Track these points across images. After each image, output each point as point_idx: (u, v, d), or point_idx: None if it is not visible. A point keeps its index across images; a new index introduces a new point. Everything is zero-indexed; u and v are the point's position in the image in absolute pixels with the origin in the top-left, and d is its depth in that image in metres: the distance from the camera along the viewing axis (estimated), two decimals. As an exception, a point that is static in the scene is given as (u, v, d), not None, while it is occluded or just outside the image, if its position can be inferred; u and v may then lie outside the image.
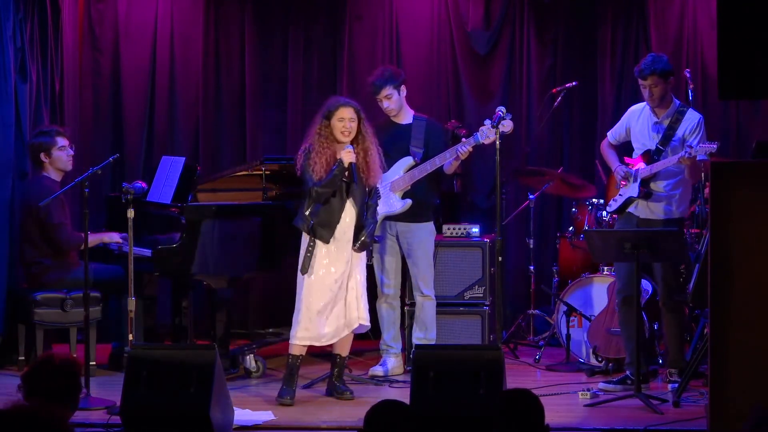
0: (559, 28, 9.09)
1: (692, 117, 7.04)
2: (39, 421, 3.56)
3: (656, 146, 7.05)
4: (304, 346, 6.89)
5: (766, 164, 5.74)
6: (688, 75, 7.96)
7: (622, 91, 8.96)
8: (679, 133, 7.01)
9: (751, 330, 5.54)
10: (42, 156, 7.68)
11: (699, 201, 7.77)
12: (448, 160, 7.41)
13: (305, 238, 6.84)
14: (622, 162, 7.26)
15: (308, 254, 6.77)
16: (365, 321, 6.92)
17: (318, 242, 6.79)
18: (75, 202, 7.82)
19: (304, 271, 6.77)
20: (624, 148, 7.38)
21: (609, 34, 9.00)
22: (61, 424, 3.59)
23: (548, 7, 9.04)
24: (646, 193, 7.05)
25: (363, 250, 6.90)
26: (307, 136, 6.89)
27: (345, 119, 6.80)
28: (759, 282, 5.54)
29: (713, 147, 6.71)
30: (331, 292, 6.78)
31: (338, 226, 6.79)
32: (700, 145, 6.79)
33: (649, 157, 7.05)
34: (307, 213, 6.79)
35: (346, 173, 6.76)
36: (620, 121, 7.34)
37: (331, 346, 7.01)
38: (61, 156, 7.69)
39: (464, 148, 7.32)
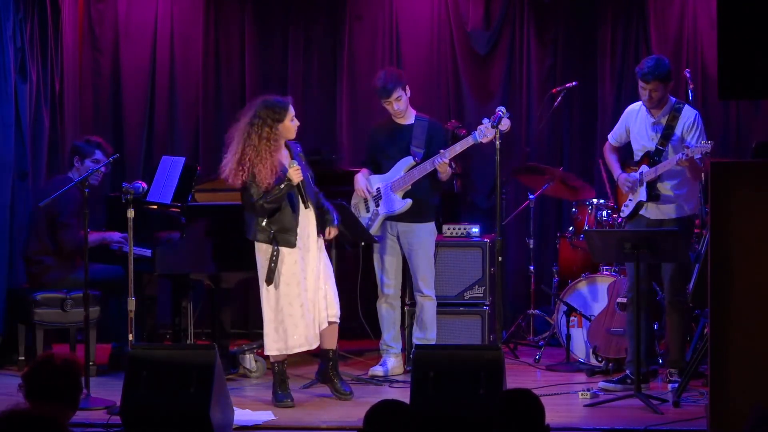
0: (559, 28, 9.08)
1: (689, 114, 7.04)
2: (37, 425, 3.57)
3: (656, 147, 7.05)
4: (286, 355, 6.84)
5: (766, 164, 5.74)
6: (688, 75, 7.96)
7: (622, 91, 8.96)
8: (677, 131, 7.02)
9: (751, 330, 5.54)
10: (75, 160, 7.68)
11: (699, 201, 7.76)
12: (439, 160, 7.42)
13: (263, 250, 6.74)
14: (623, 168, 7.26)
15: (272, 264, 6.67)
16: (335, 318, 6.88)
17: (283, 250, 6.70)
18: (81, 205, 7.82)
19: (270, 282, 6.67)
20: (627, 151, 7.37)
21: (609, 34, 9.00)
22: (59, 427, 3.59)
23: (548, 7, 9.04)
24: (654, 195, 7.05)
25: (336, 233, 6.89)
26: (238, 145, 6.67)
27: (294, 117, 6.80)
28: (759, 282, 5.54)
29: (707, 147, 6.72)
30: (307, 293, 6.74)
31: (299, 229, 6.75)
32: (695, 146, 6.80)
33: (650, 158, 7.05)
34: (263, 224, 6.71)
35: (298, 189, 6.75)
36: (619, 122, 7.35)
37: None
38: (92, 167, 7.64)
39: (440, 159, 7.35)
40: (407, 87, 7.59)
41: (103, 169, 7.73)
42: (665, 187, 7.07)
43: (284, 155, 6.79)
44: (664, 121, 7.05)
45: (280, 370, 6.81)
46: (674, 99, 7.16)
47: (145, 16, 9.11)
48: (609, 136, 7.40)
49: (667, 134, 7.02)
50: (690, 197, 7.11)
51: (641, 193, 7.08)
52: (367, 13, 9.20)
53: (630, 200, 7.18)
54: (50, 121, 8.24)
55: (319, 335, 6.82)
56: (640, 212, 7.14)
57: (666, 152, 7.01)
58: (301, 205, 6.79)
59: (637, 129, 7.17)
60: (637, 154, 7.17)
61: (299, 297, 6.71)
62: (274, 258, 6.68)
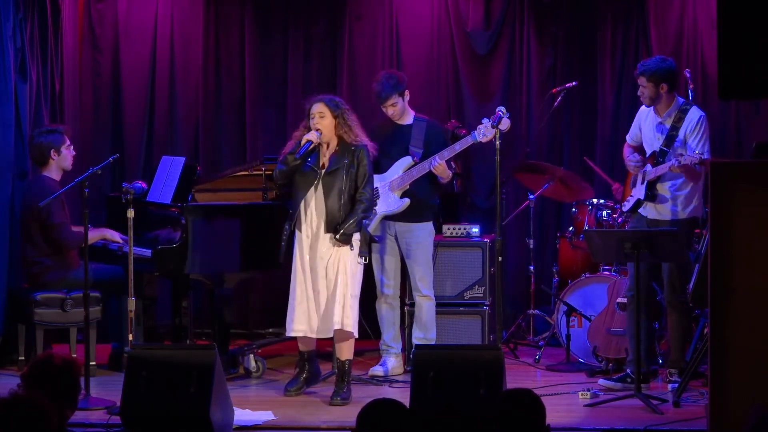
0: (559, 28, 9.08)
1: (693, 116, 7.04)
2: (26, 409, 3.62)
3: (660, 148, 7.06)
4: (299, 338, 6.96)
5: (766, 164, 5.74)
6: (688, 75, 7.96)
7: (622, 91, 8.95)
8: (681, 133, 7.02)
9: (751, 330, 5.54)
10: (52, 153, 7.66)
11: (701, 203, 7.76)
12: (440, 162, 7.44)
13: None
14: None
15: (282, 243, 6.93)
16: (349, 327, 6.82)
17: (296, 232, 6.88)
18: (75, 202, 7.82)
19: (280, 259, 6.97)
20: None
21: (609, 34, 8.99)
22: (46, 411, 3.64)
23: (548, 7, 9.03)
24: (651, 195, 7.06)
25: (346, 243, 6.79)
26: None
27: (315, 115, 6.87)
28: (759, 282, 5.54)
29: (695, 158, 6.77)
30: (308, 281, 6.84)
31: (306, 214, 6.84)
32: (687, 155, 6.81)
33: (655, 158, 7.07)
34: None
35: (308, 149, 6.81)
36: (634, 121, 7.37)
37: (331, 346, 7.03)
38: (68, 155, 7.71)
39: (436, 162, 7.38)
40: (406, 92, 7.59)
41: (73, 151, 7.75)
42: (664, 188, 7.08)
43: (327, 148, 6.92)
44: (669, 122, 7.07)
45: (300, 359, 7.01)
46: (682, 100, 7.17)
47: (145, 16, 9.10)
48: (627, 136, 7.42)
49: (671, 135, 7.03)
50: (689, 200, 7.09)
51: (640, 191, 7.10)
52: (367, 13, 9.20)
53: (632, 195, 7.21)
54: (50, 121, 8.23)
55: (324, 328, 6.82)
56: (639, 210, 7.16)
57: (670, 154, 7.02)
58: (314, 193, 6.83)
59: (646, 129, 7.20)
60: (648, 155, 7.21)
61: (302, 283, 6.83)
62: (284, 237, 6.91)
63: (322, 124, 6.83)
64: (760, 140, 6.85)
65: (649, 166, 7.09)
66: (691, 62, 8.76)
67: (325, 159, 6.87)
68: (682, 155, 6.84)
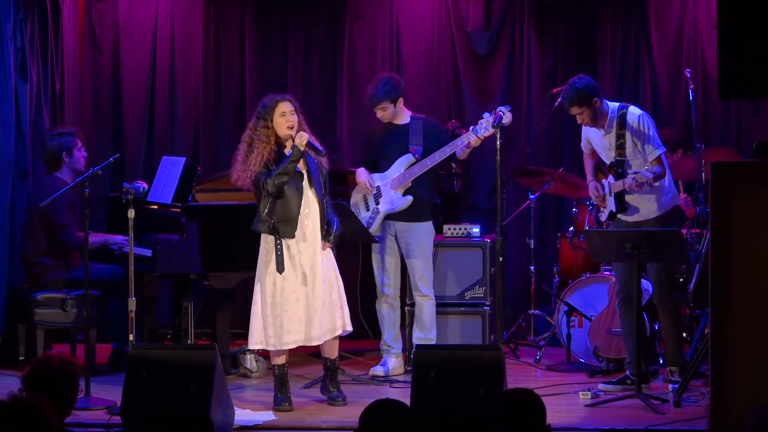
0: (559, 29, 9.08)
1: (633, 117, 6.99)
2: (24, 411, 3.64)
3: (615, 159, 7.04)
4: (282, 350, 6.72)
5: (766, 164, 5.74)
6: (688, 75, 7.96)
7: (622, 91, 8.95)
8: (629, 138, 6.99)
9: (751, 330, 5.54)
10: (64, 155, 7.66)
11: (699, 201, 7.77)
12: (460, 147, 7.40)
13: (266, 241, 6.67)
14: (597, 173, 7.27)
15: (278, 252, 6.60)
16: (349, 327, 6.77)
17: (283, 240, 6.63)
18: (75, 202, 7.82)
19: (281, 270, 6.59)
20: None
21: (609, 34, 9.00)
22: (46, 414, 3.66)
23: (548, 7, 9.04)
24: (621, 207, 7.05)
25: (334, 244, 6.72)
26: (241, 146, 6.70)
27: (287, 113, 6.63)
28: (759, 282, 5.54)
29: (648, 177, 6.77)
30: (304, 288, 6.61)
31: (300, 219, 6.62)
32: (641, 173, 6.81)
33: (614, 169, 7.06)
34: (264, 213, 6.63)
35: (309, 151, 6.61)
36: (582, 132, 7.31)
37: (320, 348, 6.93)
38: (80, 157, 7.72)
39: (474, 134, 7.29)
40: (400, 99, 7.55)
41: (85, 153, 7.76)
42: (633, 197, 7.03)
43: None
44: (612, 132, 7.03)
45: (281, 373, 6.73)
46: (619, 105, 7.09)
47: (145, 16, 9.11)
48: (581, 145, 7.38)
49: (620, 144, 7.00)
50: (662, 194, 7.07)
51: (611, 204, 7.09)
52: (367, 13, 9.20)
53: (605, 207, 7.19)
54: (50, 121, 8.24)
55: (320, 334, 6.66)
56: (618, 216, 7.14)
57: (626, 161, 7.00)
58: (307, 197, 6.67)
59: (596, 144, 7.19)
60: (606, 162, 7.20)
61: (295, 292, 6.61)
62: (278, 246, 6.60)
63: (296, 120, 6.66)
64: (760, 140, 6.85)
65: (611, 178, 7.07)
66: (691, 62, 8.76)
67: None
68: (638, 173, 6.83)
